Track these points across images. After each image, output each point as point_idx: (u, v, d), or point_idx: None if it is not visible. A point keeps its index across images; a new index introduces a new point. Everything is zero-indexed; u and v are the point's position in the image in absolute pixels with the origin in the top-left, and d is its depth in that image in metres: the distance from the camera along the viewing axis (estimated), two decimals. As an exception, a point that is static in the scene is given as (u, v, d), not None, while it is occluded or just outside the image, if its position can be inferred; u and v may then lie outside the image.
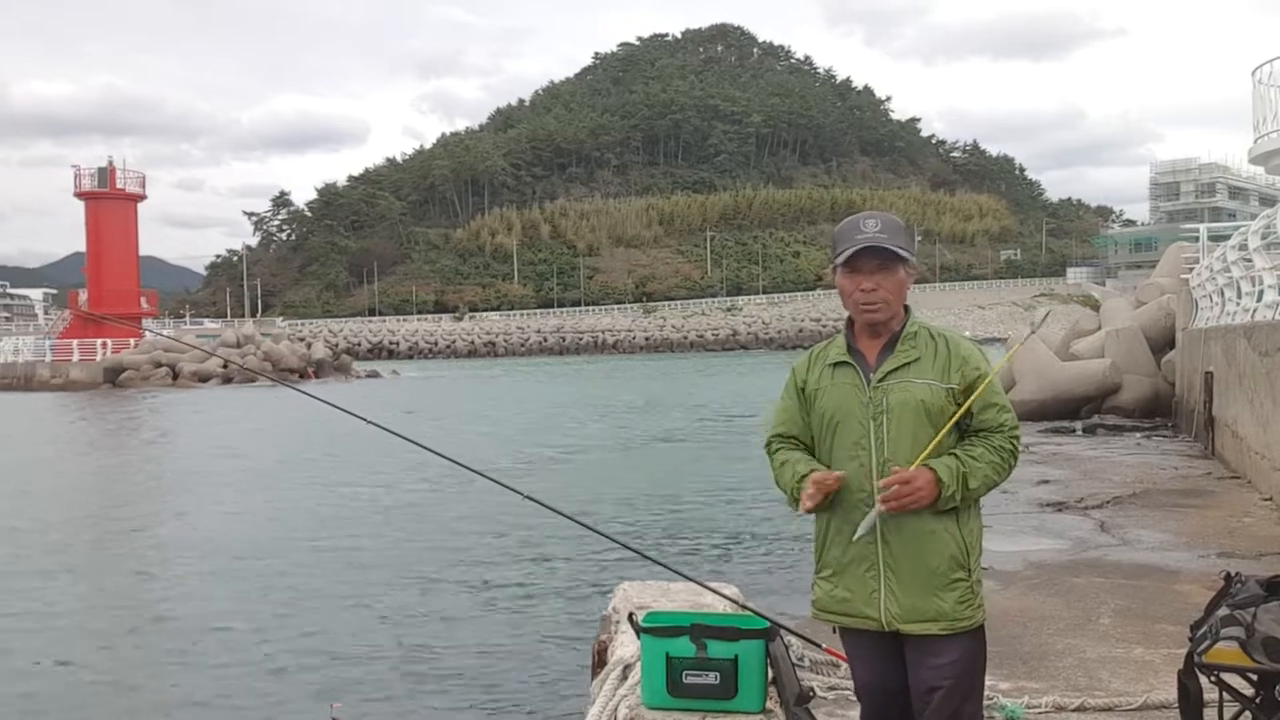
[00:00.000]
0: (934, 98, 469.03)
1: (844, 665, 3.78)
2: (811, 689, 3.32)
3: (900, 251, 2.68)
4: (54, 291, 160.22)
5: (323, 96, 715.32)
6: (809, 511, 2.72)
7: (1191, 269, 17.41)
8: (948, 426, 2.63)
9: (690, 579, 4.02)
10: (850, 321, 2.81)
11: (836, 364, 2.77)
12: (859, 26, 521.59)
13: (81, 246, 62.94)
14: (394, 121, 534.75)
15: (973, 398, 2.65)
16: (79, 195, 60.33)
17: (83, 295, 61.46)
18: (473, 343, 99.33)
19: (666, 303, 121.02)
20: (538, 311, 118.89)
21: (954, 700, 2.64)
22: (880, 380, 2.70)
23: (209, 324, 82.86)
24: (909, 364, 2.69)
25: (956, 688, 2.65)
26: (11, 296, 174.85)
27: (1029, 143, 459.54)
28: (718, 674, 3.22)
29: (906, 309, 2.78)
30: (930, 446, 2.62)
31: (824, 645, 3.90)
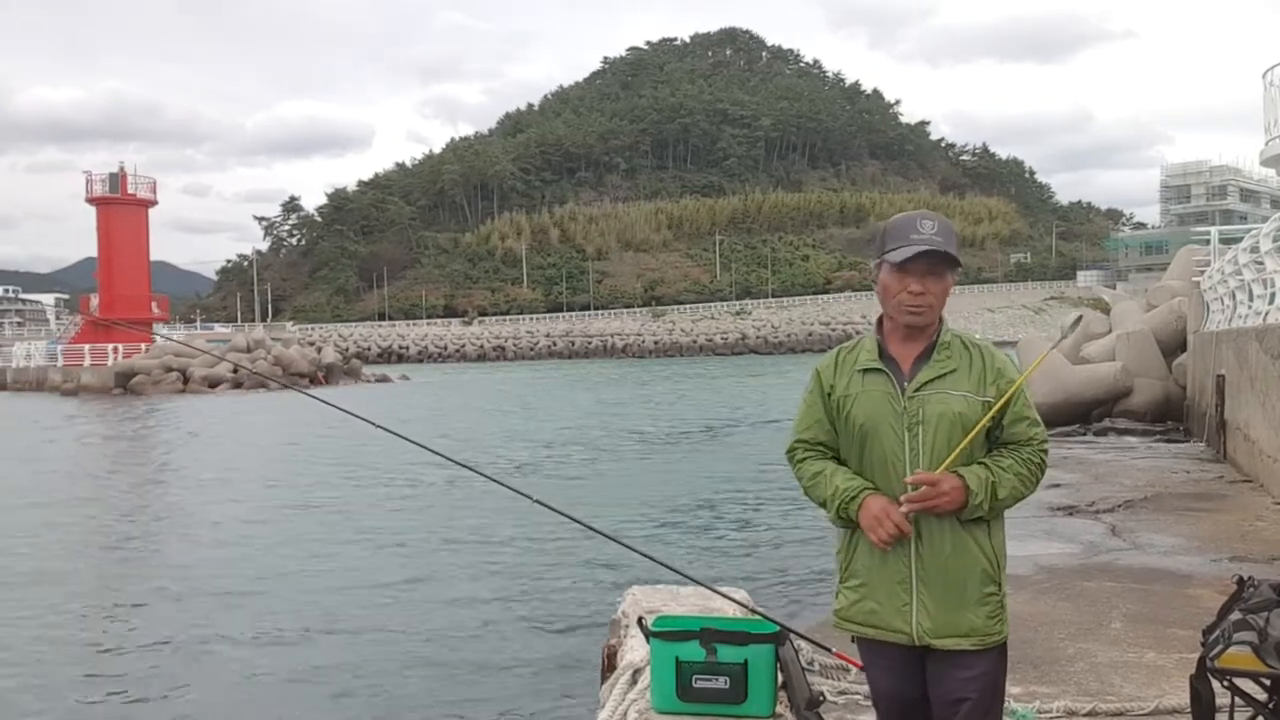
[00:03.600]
0: (940, 101, 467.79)
1: (854, 670, 3.78)
2: (821, 693, 3.31)
3: (956, 259, 2.61)
4: (65, 296, 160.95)
5: (326, 101, 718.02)
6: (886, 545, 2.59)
7: (1203, 272, 17.33)
8: (973, 434, 2.57)
9: (700, 583, 4.01)
10: (880, 323, 2.71)
11: (867, 370, 2.66)
12: (863, 29, 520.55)
13: (93, 251, 63.17)
14: (398, 126, 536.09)
15: (998, 405, 2.58)
16: (90, 201, 60.56)
17: (94, 300, 61.70)
18: (482, 347, 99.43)
19: (675, 307, 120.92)
20: (547, 316, 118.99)
21: (978, 713, 2.61)
22: (916, 390, 2.60)
23: (219, 328, 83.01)
24: (946, 374, 2.60)
25: (982, 700, 2.61)
26: (23, 301, 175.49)
27: (1037, 145, 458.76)
28: (727, 678, 3.22)
29: (940, 316, 2.68)
30: (955, 453, 2.55)
31: (834, 649, 3.89)
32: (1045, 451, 2.67)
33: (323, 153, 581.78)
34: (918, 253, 2.56)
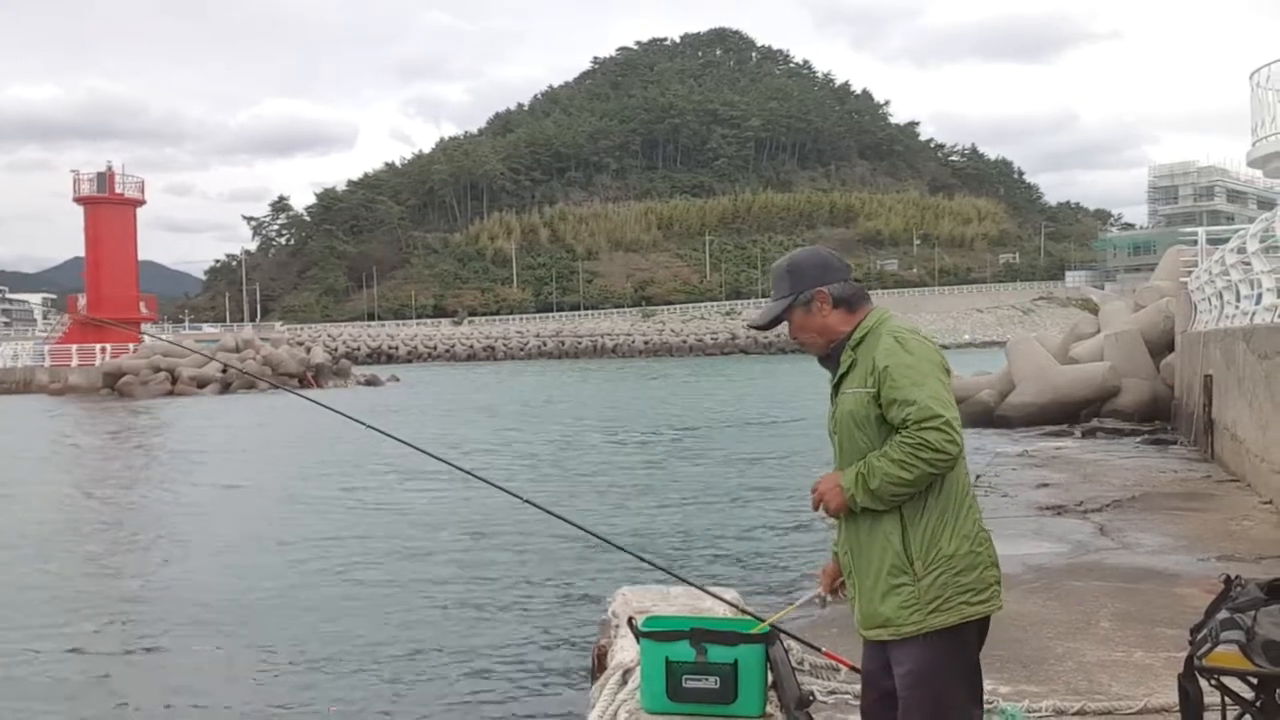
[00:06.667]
0: (926, 101, 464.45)
1: (844, 669, 3.79)
2: (811, 693, 3.32)
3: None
4: (53, 296, 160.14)
5: (309, 100, 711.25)
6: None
7: (1190, 272, 17.40)
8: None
9: (690, 583, 4.01)
10: None
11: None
12: (847, 28, 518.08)
13: (80, 251, 62.85)
14: (382, 125, 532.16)
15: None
16: (78, 200, 60.25)
17: (82, 300, 61.39)
18: (472, 347, 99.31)
19: (665, 306, 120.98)
20: (536, 315, 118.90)
21: (912, 715, 2.63)
22: (833, 395, 2.81)
23: (208, 329, 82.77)
24: (845, 374, 2.75)
25: (912, 701, 2.62)
26: (10, 301, 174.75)
27: (1022, 145, 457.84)
28: (717, 678, 3.22)
29: (874, 309, 2.82)
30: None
31: (823, 649, 3.90)
32: (927, 427, 2.54)
33: (306, 151, 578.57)
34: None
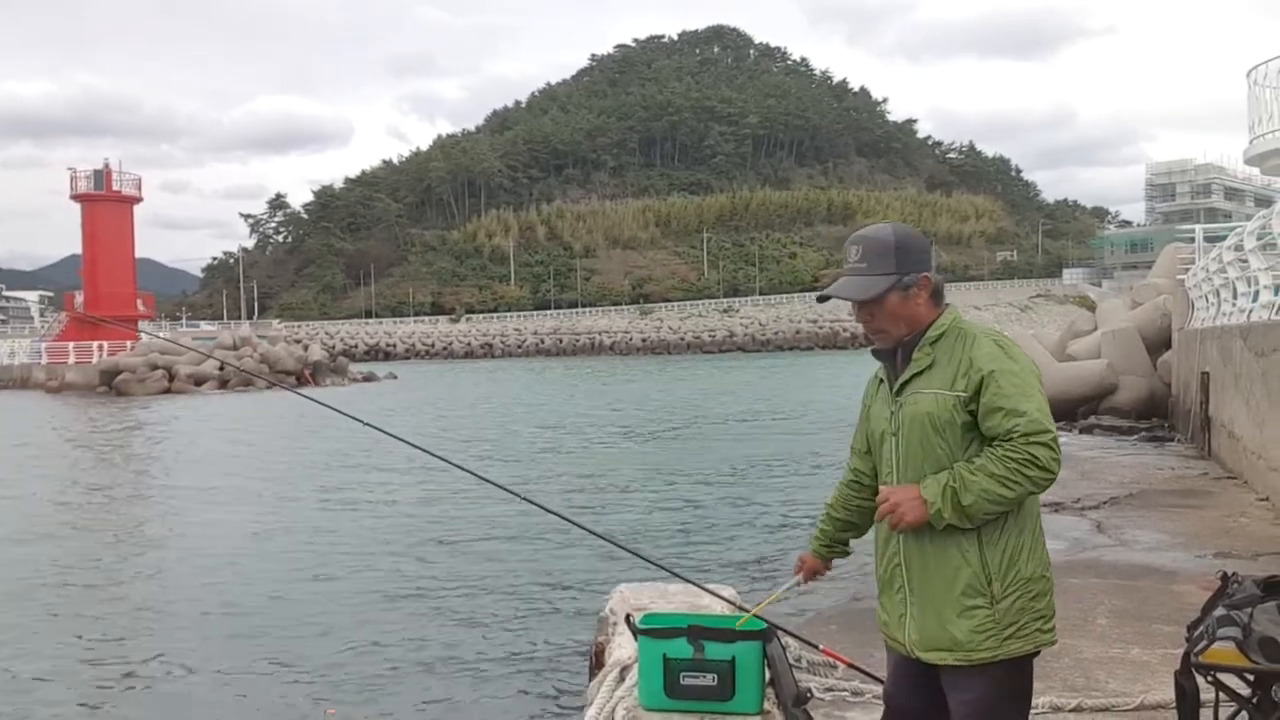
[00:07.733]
0: (922, 98, 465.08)
1: (841, 666, 3.79)
2: (809, 690, 3.32)
3: (863, 295, 2.53)
4: (50, 294, 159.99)
5: (304, 97, 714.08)
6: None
7: (1187, 270, 17.41)
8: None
9: (687, 580, 4.01)
10: None
11: (882, 377, 2.68)
12: (841, 24, 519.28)
13: (77, 249, 62.75)
14: (377, 122, 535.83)
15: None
16: (75, 198, 60.15)
17: (79, 298, 61.32)
18: (469, 344, 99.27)
19: (663, 304, 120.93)
20: (534, 313, 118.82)
21: None
22: (898, 394, 2.58)
23: (205, 326, 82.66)
24: (921, 373, 2.53)
25: None
26: (6, 299, 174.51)
27: (1018, 142, 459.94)
28: (715, 675, 3.22)
29: (948, 305, 2.61)
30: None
31: (821, 646, 3.90)
32: (1037, 442, 2.38)
33: (301, 149, 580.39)
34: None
